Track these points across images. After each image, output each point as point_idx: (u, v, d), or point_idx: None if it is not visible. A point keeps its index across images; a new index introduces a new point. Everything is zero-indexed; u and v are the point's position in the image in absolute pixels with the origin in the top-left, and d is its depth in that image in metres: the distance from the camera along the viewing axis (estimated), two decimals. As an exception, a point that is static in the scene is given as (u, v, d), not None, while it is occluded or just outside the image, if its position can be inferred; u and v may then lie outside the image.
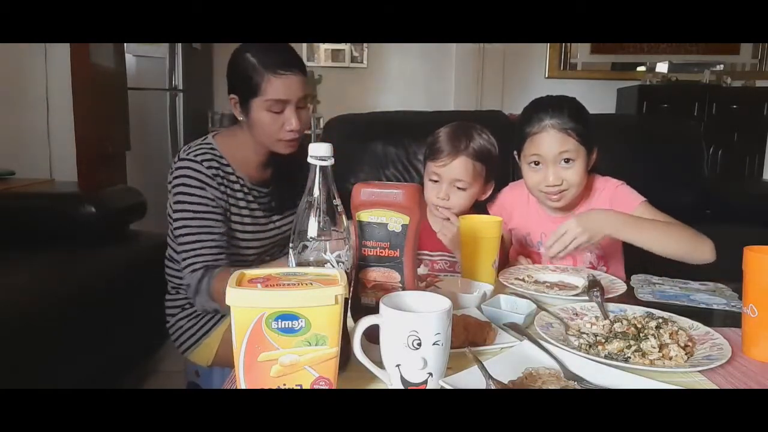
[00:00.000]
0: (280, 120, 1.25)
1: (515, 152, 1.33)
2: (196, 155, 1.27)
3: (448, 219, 1.27)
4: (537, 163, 1.25)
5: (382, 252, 0.74)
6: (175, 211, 1.25)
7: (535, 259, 1.31)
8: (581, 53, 4.37)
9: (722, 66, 4.22)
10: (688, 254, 1.14)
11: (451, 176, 1.29)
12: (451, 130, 1.33)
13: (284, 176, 1.37)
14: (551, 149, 1.22)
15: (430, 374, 0.63)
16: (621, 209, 1.25)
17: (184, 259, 1.24)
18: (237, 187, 1.31)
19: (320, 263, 0.69)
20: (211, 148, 1.30)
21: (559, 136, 1.21)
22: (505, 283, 1.08)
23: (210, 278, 1.22)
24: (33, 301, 1.36)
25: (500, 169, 1.43)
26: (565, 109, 1.23)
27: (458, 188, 1.30)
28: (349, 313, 0.73)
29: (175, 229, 1.25)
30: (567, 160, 1.22)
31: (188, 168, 1.25)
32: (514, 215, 1.37)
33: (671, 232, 1.16)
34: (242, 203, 1.32)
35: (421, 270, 1.18)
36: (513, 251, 1.38)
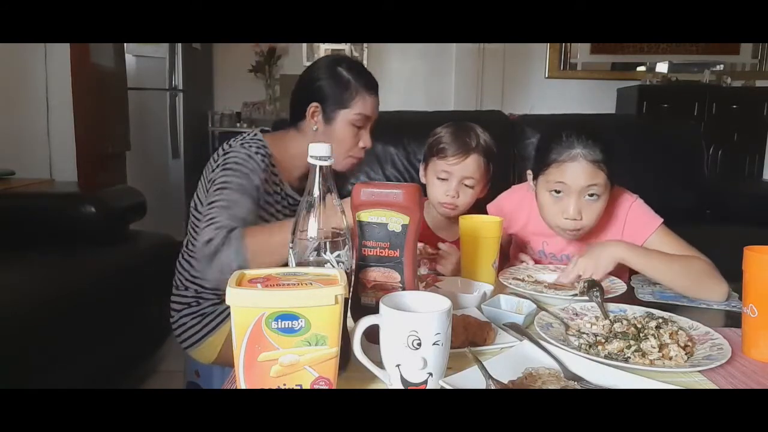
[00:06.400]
0: (358, 136, 1.30)
1: (529, 172, 1.26)
2: (249, 146, 1.26)
3: (436, 251, 1.20)
4: (558, 192, 1.15)
5: (382, 252, 0.74)
6: (220, 177, 1.21)
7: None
8: (581, 53, 4.37)
9: (722, 66, 4.22)
10: (697, 295, 1.08)
11: (462, 174, 1.30)
12: (454, 128, 1.33)
13: None
14: (579, 180, 1.12)
15: (430, 374, 0.63)
16: (636, 233, 1.19)
17: (212, 218, 1.14)
18: (278, 189, 1.31)
19: (320, 263, 0.69)
20: (263, 145, 1.29)
21: (590, 167, 1.11)
22: (505, 283, 1.08)
23: (240, 232, 1.11)
24: (33, 301, 1.36)
25: (500, 170, 1.43)
26: (599, 139, 1.12)
27: (466, 186, 1.31)
28: (349, 313, 0.73)
29: (216, 191, 1.19)
30: (592, 195, 1.13)
31: (243, 153, 1.24)
32: (514, 221, 1.34)
33: (685, 271, 1.08)
34: (278, 206, 1.31)
35: (421, 270, 1.18)
36: (513, 250, 1.37)
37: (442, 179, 1.32)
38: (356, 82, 1.27)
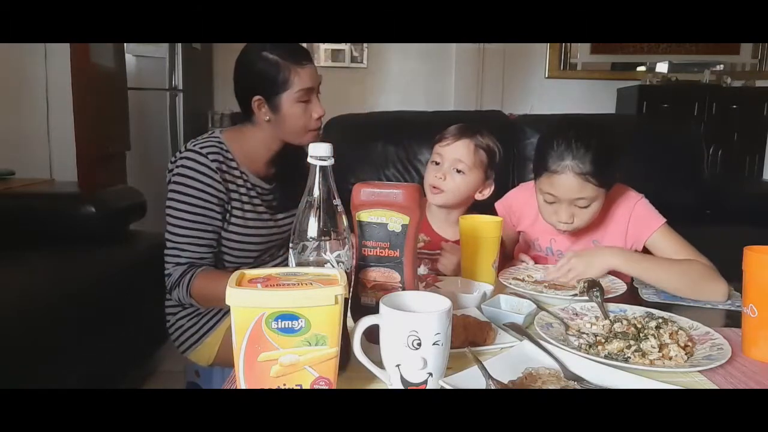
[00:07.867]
0: (309, 110, 1.31)
1: (533, 166, 1.25)
2: (201, 147, 1.27)
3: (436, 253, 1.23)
4: (551, 202, 1.17)
5: (382, 252, 0.74)
6: (170, 199, 1.26)
7: (543, 263, 1.29)
8: (581, 53, 4.37)
9: (722, 66, 4.21)
10: (696, 296, 1.07)
11: (453, 156, 1.33)
12: (461, 124, 1.39)
13: (288, 175, 1.38)
14: (567, 193, 1.13)
15: (430, 374, 0.63)
16: (638, 231, 1.20)
17: (171, 249, 1.25)
18: (240, 182, 1.32)
19: (320, 263, 0.69)
20: (218, 142, 1.31)
21: (577, 181, 1.11)
22: (504, 283, 1.08)
23: (193, 275, 1.23)
24: (33, 301, 1.36)
25: (500, 169, 1.43)
26: (591, 148, 1.10)
27: (457, 171, 1.33)
28: (349, 313, 0.73)
29: (168, 216, 1.26)
30: (583, 204, 1.15)
31: (191, 159, 1.26)
32: (522, 219, 1.35)
33: (682, 275, 1.09)
34: (245, 198, 1.33)
35: (421, 270, 1.18)
36: (518, 249, 1.38)
37: (436, 163, 1.36)
38: (285, 60, 1.25)
